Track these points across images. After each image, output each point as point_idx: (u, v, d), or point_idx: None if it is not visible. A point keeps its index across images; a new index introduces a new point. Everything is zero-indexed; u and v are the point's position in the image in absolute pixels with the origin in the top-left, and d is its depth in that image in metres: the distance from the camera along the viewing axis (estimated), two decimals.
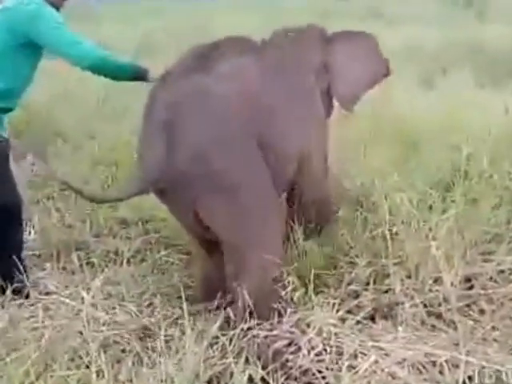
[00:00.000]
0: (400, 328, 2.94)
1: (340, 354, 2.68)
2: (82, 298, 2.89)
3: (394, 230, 3.35)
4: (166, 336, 2.78)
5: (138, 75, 3.32)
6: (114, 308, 3.09)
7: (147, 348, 2.75)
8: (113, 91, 6.38)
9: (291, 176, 3.30)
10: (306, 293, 3.00)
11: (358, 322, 3.04)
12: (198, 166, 2.82)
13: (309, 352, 2.64)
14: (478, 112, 4.70)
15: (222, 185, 2.86)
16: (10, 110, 3.31)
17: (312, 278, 3.02)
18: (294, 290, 3.02)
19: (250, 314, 2.81)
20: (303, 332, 2.73)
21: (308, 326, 2.82)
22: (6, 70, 3.20)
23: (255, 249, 2.93)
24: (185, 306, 2.72)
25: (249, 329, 2.76)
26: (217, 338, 2.70)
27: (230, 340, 2.67)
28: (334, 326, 2.84)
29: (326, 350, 2.68)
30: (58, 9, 3.33)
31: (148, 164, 2.83)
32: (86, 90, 6.21)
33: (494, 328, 3.00)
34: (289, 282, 3.03)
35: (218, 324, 2.77)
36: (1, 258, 3.19)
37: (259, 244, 2.94)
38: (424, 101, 5.16)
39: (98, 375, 2.49)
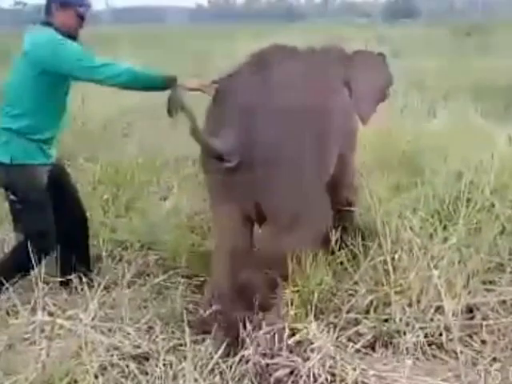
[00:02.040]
0: (401, 357, 2.93)
1: (341, 381, 2.65)
2: (81, 320, 2.86)
3: (396, 257, 3.34)
4: (164, 361, 2.76)
5: (168, 84, 3.36)
6: (112, 331, 3.05)
7: (146, 373, 2.72)
8: (116, 112, 6.41)
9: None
10: (307, 316, 2.98)
11: (358, 350, 3.02)
12: (268, 151, 3.18)
13: (310, 380, 2.61)
14: (481, 141, 4.71)
15: (286, 171, 3.22)
16: (49, 139, 3.44)
17: (314, 302, 3.01)
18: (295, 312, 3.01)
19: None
20: (304, 359, 2.70)
21: (305, 350, 2.80)
22: (30, 106, 3.33)
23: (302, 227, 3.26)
24: (187, 331, 2.69)
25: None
26: (217, 364, 2.67)
27: (231, 367, 2.64)
28: (335, 353, 2.81)
29: (327, 379, 2.65)
30: (75, 38, 3.40)
31: (226, 140, 3.15)
32: (89, 110, 6.23)
33: (495, 359, 2.99)
34: (291, 303, 3.01)
35: (220, 352, 2.73)
36: None
37: (307, 224, 3.29)
38: (426, 129, 5.18)
39: None
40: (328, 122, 3.45)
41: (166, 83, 3.36)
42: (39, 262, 3.25)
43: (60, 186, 3.59)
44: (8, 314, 3.03)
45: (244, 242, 3.37)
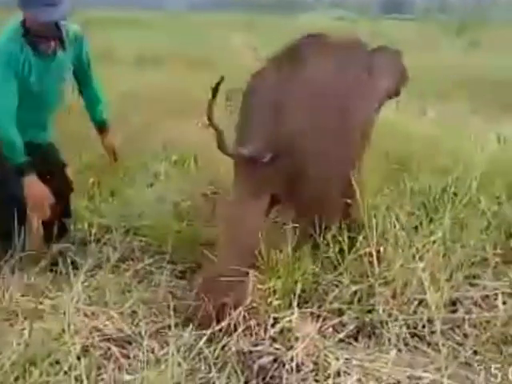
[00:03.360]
0: (383, 347, 2.94)
1: (324, 371, 2.66)
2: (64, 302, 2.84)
3: (381, 249, 3.35)
4: (147, 345, 2.75)
5: (21, 168, 3.32)
6: (95, 314, 3.04)
7: (128, 356, 2.71)
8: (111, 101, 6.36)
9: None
10: (290, 306, 2.99)
11: (341, 340, 3.03)
12: (298, 144, 3.31)
13: (293, 369, 2.62)
14: (470, 138, 4.74)
15: (314, 163, 3.36)
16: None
17: (297, 292, 3.01)
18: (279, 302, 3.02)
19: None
20: (287, 347, 2.71)
21: (289, 339, 2.81)
22: None
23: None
24: (172, 315, 2.69)
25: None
26: (201, 349, 2.67)
27: (214, 352, 2.65)
28: (318, 342, 2.82)
29: (310, 368, 2.66)
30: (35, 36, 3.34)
31: (256, 135, 3.30)
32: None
33: (476, 352, 3.01)
34: (274, 291, 3.01)
35: (204, 338, 2.73)
36: None
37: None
38: (417, 125, 5.19)
39: (76, 380, 2.45)
40: (356, 118, 3.56)
41: (20, 166, 3.31)
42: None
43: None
44: None
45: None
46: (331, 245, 3.49)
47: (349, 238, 3.46)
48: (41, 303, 2.93)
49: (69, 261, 3.30)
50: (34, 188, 3.33)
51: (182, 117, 6.39)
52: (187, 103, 6.88)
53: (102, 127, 3.82)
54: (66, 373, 2.47)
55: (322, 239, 3.47)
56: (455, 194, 3.90)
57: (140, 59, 9.73)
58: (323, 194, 3.47)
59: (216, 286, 3.13)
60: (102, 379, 2.47)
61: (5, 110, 3.24)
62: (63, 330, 2.67)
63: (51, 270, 3.47)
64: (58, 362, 2.49)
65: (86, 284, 3.20)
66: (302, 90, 3.39)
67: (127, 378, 2.50)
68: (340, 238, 3.45)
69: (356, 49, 3.85)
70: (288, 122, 3.33)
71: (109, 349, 2.72)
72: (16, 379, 2.29)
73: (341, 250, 3.47)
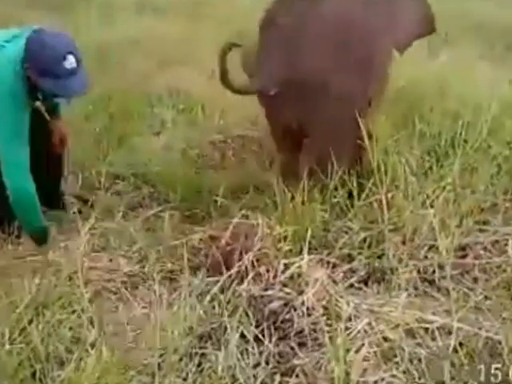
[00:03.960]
0: (393, 293, 2.95)
1: (335, 315, 2.67)
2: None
3: (391, 196, 3.33)
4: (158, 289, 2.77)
5: (38, 237, 3.11)
6: (104, 259, 3.04)
7: (140, 298, 2.72)
8: (110, 43, 6.29)
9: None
10: (301, 251, 2.99)
11: (351, 286, 3.04)
12: (312, 77, 3.39)
13: (303, 313, 2.63)
14: (481, 83, 4.66)
15: (327, 97, 3.41)
16: None
17: (307, 239, 3.01)
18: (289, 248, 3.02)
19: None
20: (298, 292, 2.71)
21: (299, 284, 2.81)
22: None
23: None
24: (185, 259, 2.68)
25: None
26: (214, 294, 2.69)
27: (226, 297, 2.66)
28: (329, 287, 2.82)
29: (319, 312, 2.66)
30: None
31: (271, 68, 3.39)
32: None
33: (486, 297, 3.01)
34: (284, 238, 3.01)
35: (219, 284, 2.74)
36: None
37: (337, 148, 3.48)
38: (426, 68, 5.10)
39: (90, 323, 2.47)
40: (371, 54, 3.60)
41: (39, 234, 3.12)
42: None
43: None
44: (5, 240, 2.98)
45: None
46: (340, 190, 3.49)
47: (358, 183, 3.44)
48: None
49: (76, 209, 3.27)
50: None
51: (185, 65, 6.30)
52: (189, 51, 6.79)
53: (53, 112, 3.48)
54: (78, 315, 2.48)
55: (331, 184, 3.46)
56: (465, 140, 3.85)
57: (140, 7, 9.55)
58: (335, 131, 3.50)
59: None
60: (115, 320, 2.48)
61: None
62: (74, 273, 2.68)
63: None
64: (69, 305, 2.50)
65: (94, 231, 3.19)
66: (317, 24, 3.44)
67: (141, 312, 2.51)
68: (349, 184, 3.44)
69: None
70: (301, 55, 3.39)
71: (119, 292, 2.73)
72: (30, 322, 2.30)
73: (350, 196, 3.46)
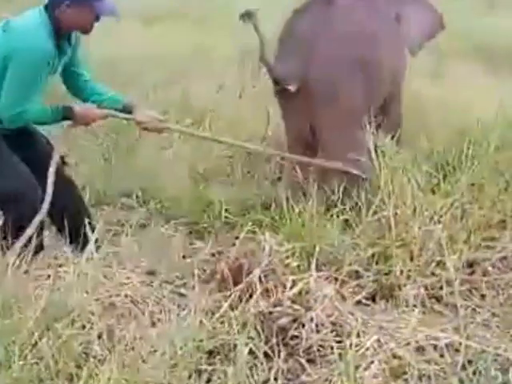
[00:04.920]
0: (401, 309, 2.95)
1: (343, 332, 2.67)
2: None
3: (398, 211, 3.34)
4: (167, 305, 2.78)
5: (63, 116, 3.23)
6: (113, 275, 3.03)
7: (149, 314, 2.73)
8: (118, 59, 6.31)
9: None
10: (309, 268, 3.00)
11: (359, 302, 3.04)
12: (327, 76, 3.65)
13: (312, 329, 2.63)
14: (486, 99, 4.67)
15: (339, 97, 3.68)
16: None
17: (316, 254, 3.02)
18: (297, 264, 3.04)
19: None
20: (307, 308, 2.71)
21: (308, 301, 2.82)
22: None
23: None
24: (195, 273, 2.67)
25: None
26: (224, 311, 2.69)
27: (235, 313, 2.66)
28: (337, 303, 2.83)
29: (329, 329, 2.67)
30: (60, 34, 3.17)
31: (290, 64, 3.65)
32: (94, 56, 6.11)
33: (494, 314, 3.02)
34: (293, 254, 3.02)
35: (229, 301, 2.75)
36: None
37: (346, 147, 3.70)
38: (434, 86, 5.14)
39: (99, 338, 2.47)
40: (382, 57, 3.86)
41: (59, 116, 3.22)
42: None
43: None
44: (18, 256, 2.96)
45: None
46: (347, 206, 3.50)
47: (366, 199, 3.46)
48: (60, 265, 2.93)
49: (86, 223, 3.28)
50: (87, 116, 3.29)
51: (193, 78, 6.34)
52: (197, 64, 6.83)
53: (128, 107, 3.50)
54: (88, 331, 2.49)
55: (339, 201, 3.48)
56: (473, 157, 3.86)
57: (147, 19, 9.61)
58: (346, 128, 3.69)
59: None
60: (124, 336, 2.48)
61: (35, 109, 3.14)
62: (83, 289, 2.68)
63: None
64: (79, 320, 2.50)
65: (103, 246, 3.19)
66: (334, 30, 3.73)
67: (151, 332, 2.51)
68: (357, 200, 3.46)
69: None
70: (320, 52, 3.66)
71: (128, 307, 2.73)
72: (40, 337, 2.31)
73: (358, 211, 3.47)
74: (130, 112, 3.44)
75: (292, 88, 3.64)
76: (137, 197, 4.23)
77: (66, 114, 3.22)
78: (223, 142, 4.12)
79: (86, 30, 3.23)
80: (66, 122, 3.36)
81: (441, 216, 3.32)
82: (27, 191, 3.13)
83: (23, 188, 3.14)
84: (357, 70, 3.73)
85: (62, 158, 3.49)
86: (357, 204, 3.51)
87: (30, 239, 2.97)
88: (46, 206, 3.10)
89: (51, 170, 3.17)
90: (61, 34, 3.18)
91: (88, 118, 3.30)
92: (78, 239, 3.28)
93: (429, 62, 4.62)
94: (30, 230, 2.99)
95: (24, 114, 3.11)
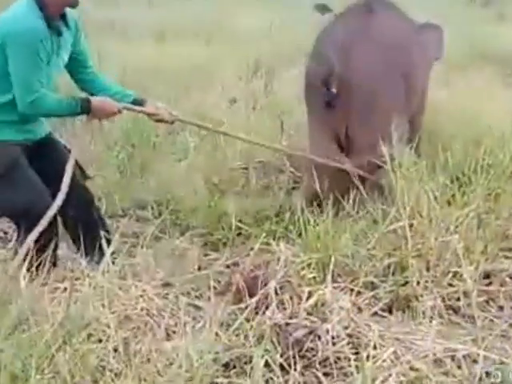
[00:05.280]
0: (418, 320, 2.93)
1: (359, 344, 2.65)
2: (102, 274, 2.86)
3: (414, 222, 3.33)
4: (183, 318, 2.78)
5: (81, 108, 3.22)
6: (129, 287, 3.03)
7: (164, 326, 2.72)
8: (131, 72, 6.35)
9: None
10: (325, 279, 2.98)
11: (376, 313, 3.03)
12: (363, 83, 3.74)
13: (328, 341, 2.62)
14: (501, 108, 4.66)
15: (373, 101, 3.78)
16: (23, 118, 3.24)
17: (332, 265, 3.01)
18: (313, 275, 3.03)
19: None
20: (322, 320, 2.70)
21: (324, 312, 2.80)
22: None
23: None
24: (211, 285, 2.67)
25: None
26: (240, 323, 2.69)
27: (251, 325, 2.66)
28: (353, 315, 2.81)
29: (345, 341, 2.65)
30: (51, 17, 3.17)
31: (325, 68, 3.76)
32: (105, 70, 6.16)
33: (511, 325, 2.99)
34: (309, 265, 3.01)
35: (245, 313, 2.74)
36: None
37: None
38: (446, 96, 5.12)
39: (115, 351, 2.47)
40: (417, 67, 4.04)
41: (75, 108, 3.21)
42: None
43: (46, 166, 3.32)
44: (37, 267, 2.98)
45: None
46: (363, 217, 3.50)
47: (382, 210, 3.45)
48: (77, 279, 2.94)
49: (102, 235, 3.29)
50: (105, 109, 3.29)
51: (206, 91, 6.38)
52: (209, 77, 6.88)
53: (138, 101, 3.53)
54: (104, 344, 2.49)
55: (355, 211, 3.48)
56: (489, 165, 3.84)
57: (160, 34, 9.70)
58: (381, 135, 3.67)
59: None
60: (140, 349, 2.48)
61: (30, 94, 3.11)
62: (100, 301, 2.69)
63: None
64: (96, 333, 2.51)
65: (119, 258, 3.19)
66: (372, 38, 3.85)
67: (167, 346, 2.51)
68: (373, 211, 3.45)
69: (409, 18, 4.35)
70: (360, 58, 3.77)
71: (144, 320, 2.73)
72: (57, 351, 2.31)
73: (374, 222, 3.46)
74: (140, 106, 3.47)
75: (335, 92, 3.72)
76: (152, 208, 4.25)
77: (84, 106, 3.21)
78: (235, 137, 4.24)
79: (74, 3, 3.22)
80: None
81: (457, 226, 3.29)
82: (37, 205, 3.12)
83: (34, 202, 3.13)
84: (396, 78, 3.86)
85: (81, 169, 3.51)
86: (371, 214, 3.50)
87: (45, 250, 3.00)
88: (58, 201, 3.09)
89: (68, 167, 3.17)
90: (51, 15, 3.18)
91: (105, 111, 3.29)
92: (93, 251, 3.31)
93: (438, 71, 4.61)
94: (41, 224, 2.99)
95: (40, 101, 3.11)
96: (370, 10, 3.99)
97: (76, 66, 3.43)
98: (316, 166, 3.82)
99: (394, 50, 3.88)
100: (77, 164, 3.37)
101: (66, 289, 2.75)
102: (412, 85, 3.99)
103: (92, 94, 3.38)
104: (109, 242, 3.23)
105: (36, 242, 2.99)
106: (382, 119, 3.77)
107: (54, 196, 3.22)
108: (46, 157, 3.35)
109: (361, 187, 3.72)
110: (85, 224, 3.38)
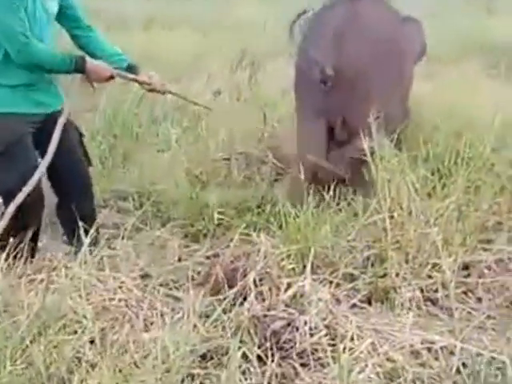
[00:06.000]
0: (397, 312, 2.94)
1: (337, 335, 2.66)
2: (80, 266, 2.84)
3: (395, 214, 3.33)
4: (161, 309, 2.77)
5: (75, 66, 3.14)
6: (107, 278, 3.01)
7: (142, 317, 2.71)
8: None
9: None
10: (304, 270, 2.99)
11: (354, 305, 3.03)
12: (357, 72, 3.75)
13: (306, 333, 2.62)
14: (484, 100, 4.67)
15: (369, 87, 3.81)
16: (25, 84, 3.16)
17: (311, 257, 3.01)
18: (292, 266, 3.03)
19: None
20: (300, 312, 2.70)
21: (302, 304, 2.80)
22: None
23: None
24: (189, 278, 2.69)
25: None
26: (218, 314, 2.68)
27: (229, 317, 2.65)
28: (331, 306, 2.82)
29: (322, 332, 2.65)
30: None
31: (319, 54, 3.79)
32: None
33: (489, 316, 3.00)
34: (288, 257, 3.01)
35: (223, 305, 2.73)
36: None
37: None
38: (429, 88, 5.12)
39: (91, 342, 2.46)
40: (404, 54, 4.08)
41: (75, 63, 3.14)
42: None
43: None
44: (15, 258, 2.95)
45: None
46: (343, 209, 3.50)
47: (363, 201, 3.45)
48: (54, 269, 2.92)
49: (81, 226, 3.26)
50: (99, 72, 3.22)
51: (191, 81, 6.36)
52: (195, 67, 6.86)
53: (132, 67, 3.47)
54: (80, 336, 2.47)
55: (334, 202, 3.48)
56: (469, 158, 3.85)
57: (148, 24, 9.66)
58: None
59: None
60: (117, 340, 2.47)
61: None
62: (77, 292, 2.67)
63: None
64: (71, 324, 2.49)
65: (97, 250, 3.17)
66: (363, 26, 3.87)
67: (145, 337, 2.50)
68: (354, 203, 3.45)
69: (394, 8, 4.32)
70: (348, 54, 3.78)
71: (122, 311, 2.72)
72: (32, 342, 2.30)
73: (354, 214, 3.46)
74: (134, 73, 3.43)
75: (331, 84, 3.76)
76: (133, 199, 4.23)
77: (79, 64, 3.14)
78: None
79: None
80: None
81: (437, 218, 3.30)
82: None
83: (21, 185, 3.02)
84: (388, 66, 3.90)
85: (86, 154, 3.50)
86: (352, 206, 3.51)
87: (23, 241, 2.98)
88: (42, 168, 3.06)
89: (56, 132, 3.11)
90: None
91: (99, 74, 3.23)
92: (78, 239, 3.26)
93: (422, 63, 4.61)
94: (25, 189, 2.96)
95: (30, 49, 3.03)
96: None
97: (68, 22, 3.37)
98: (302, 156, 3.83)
99: (385, 38, 3.91)
100: (83, 148, 3.42)
101: (42, 280, 2.73)
102: (401, 73, 4.06)
103: (91, 55, 3.33)
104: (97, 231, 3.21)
105: (17, 231, 2.97)
106: (377, 106, 3.76)
107: (57, 192, 3.37)
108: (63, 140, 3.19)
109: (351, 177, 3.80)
110: (79, 209, 3.33)
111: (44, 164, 3.09)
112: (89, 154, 3.54)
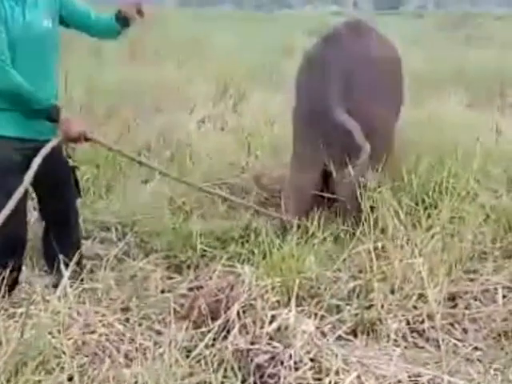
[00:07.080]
0: (382, 344, 2.90)
1: (322, 369, 2.61)
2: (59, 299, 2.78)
3: (380, 245, 3.31)
4: (141, 344, 2.71)
5: (48, 112, 3.06)
6: (87, 312, 2.95)
7: (123, 352, 2.65)
8: (97, 94, 6.32)
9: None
10: (289, 302, 2.94)
11: (340, 337, 2.99)
12: (360, 105, 3.77)
13: (291, 367, 2.57)
14: (465, 130, 4.70)
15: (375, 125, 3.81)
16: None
17: (296, 288, 2.97)
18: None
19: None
20: (285, 345, 2.65)
21: (287, 337, 2.75)
22: None
23: None
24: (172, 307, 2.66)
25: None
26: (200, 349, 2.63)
27: (211, 351, 2.60)
28: (316, 339, 2.77)
29: (308, 366, 2.60)
30: None
31: (324, 95, 3.79)
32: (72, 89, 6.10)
33: (476, 348, 2.97)
34: (273, 289, 2.98)
35: (206, 340, 2.68)
36: None
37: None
38: (411, 118, 5.15)
39: (69, 380, 2.39)
40: (402, 87, 4.20)
41: (49, 110, 3.06)
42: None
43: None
44: None
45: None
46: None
47: (347, 232, 3.44)
48: (32, 302, 2.85)
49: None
50: (72, 126, 3.09)
51: (172, 111, 6.38)
52: (177, 98, 6.87)
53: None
54: (57, 374, 2.40)
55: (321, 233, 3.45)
56: (453, 188, 3.85)
57: (129, 54, 9.69)
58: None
59: None
60: (98, 375, 2.41)
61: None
62: (56, 327, 2.61)
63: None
64: (49, 361, 2.43)
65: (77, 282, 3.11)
66: (366, 59, 3.89)
67: (126, 372, 2.44)
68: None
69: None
70: (356, 86, 3.81)
71: (102, 346, 2.66)
72: (8, 380, 2.23)
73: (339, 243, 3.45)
74: (124, 19, 3.33)
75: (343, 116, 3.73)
76: (116, 230, 4.19)
77: (52, 111, 3.06)
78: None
79: None
80: None
81: (421, 249, 3.28)
82: (9, 233, 2.93)
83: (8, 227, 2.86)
84: (390, 104, 4.00)
85: (77, 183, 3.47)
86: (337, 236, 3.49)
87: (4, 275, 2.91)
88: (28, 179, 2.93)
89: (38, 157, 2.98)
90: None
91: (71, 132, 3.09)
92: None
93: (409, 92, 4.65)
94: (11, 203, 2.84)
95: (6, 68, 2.95)
96: (358, 34, 4.05)
97: (81, 25, 3.35)
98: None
99: (389, 76, 4.01)
100: (75, 179, 3.38)
101: (21, 314, 2.66)
102: (399, 108, 4.17)
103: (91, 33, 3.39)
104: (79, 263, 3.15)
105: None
106: (382, 141, 3.87)
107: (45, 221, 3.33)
108: (45, 167, 3.03)
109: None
110: (65, 239, 3.34)
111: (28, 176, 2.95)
112: (80, 185, 3.50)
